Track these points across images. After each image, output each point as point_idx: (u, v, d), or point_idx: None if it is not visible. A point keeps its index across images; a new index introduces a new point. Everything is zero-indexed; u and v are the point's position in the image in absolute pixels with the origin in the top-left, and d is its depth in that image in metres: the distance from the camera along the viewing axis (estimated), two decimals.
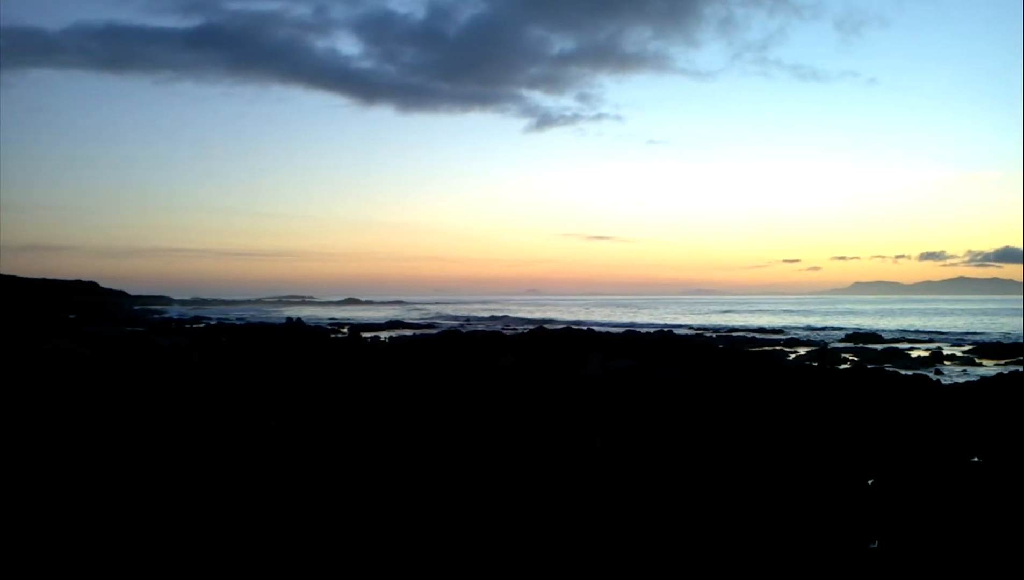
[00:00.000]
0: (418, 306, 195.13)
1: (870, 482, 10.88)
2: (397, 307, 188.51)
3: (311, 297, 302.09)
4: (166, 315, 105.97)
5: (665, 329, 65.24)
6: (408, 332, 65.21)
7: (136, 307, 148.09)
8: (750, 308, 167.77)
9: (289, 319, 53.74)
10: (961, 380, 25.85)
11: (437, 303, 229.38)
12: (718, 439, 13.24)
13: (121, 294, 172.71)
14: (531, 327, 54.01)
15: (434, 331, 59.82)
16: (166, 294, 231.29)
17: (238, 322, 76.75)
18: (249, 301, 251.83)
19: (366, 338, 43.76)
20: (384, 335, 54.26)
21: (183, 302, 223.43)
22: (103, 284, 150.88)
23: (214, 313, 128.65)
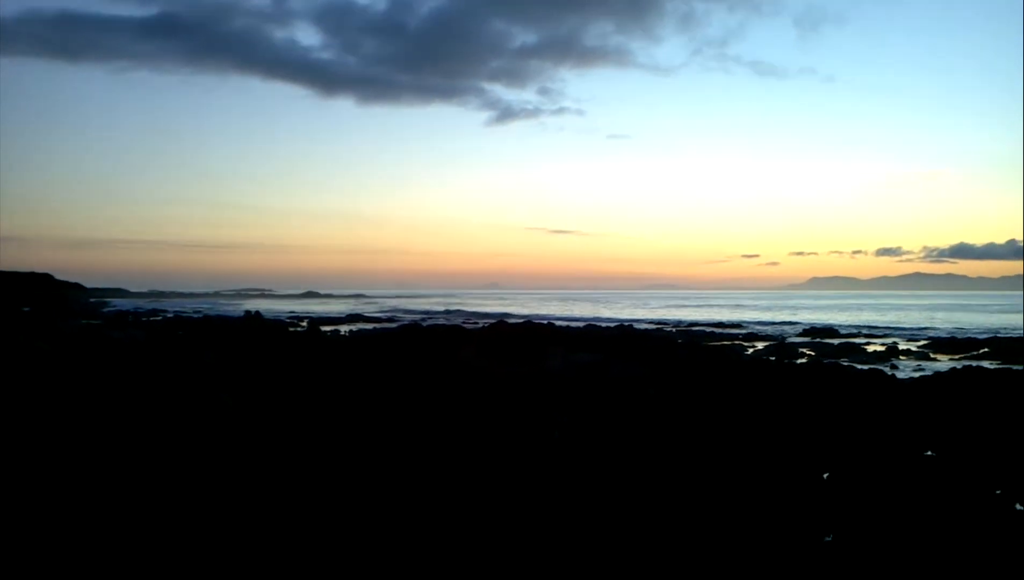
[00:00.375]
0: (379, 300, 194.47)
1: (825, 476, 11.01)
2: (358, 301, 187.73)
3: (270, 290, 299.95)
4: (122, 308, 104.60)
5: (626, 323, 65.68)
6: (368, 326, 64.89)
7: (92, 300, 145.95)
8: (710, 303, 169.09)
9: (247, 312, 53.15)
10: (916, 375, 26.23)
11: (398, 297, 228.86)
12: (676, 433, 13.32)
13: (76, 286, 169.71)
14: (492, 321, 54.03)
15: (395, 325, 59.67)
16: (122, 287, 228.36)
17: (195, 315, 75.89)
18: (207, 294, 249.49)
19: (326, 332, 43.49)
20: (344, 329, 53.93)
21: (140, 295, 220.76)
22: (58, 276, 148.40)
23: (171, 306, 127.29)
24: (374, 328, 56.81)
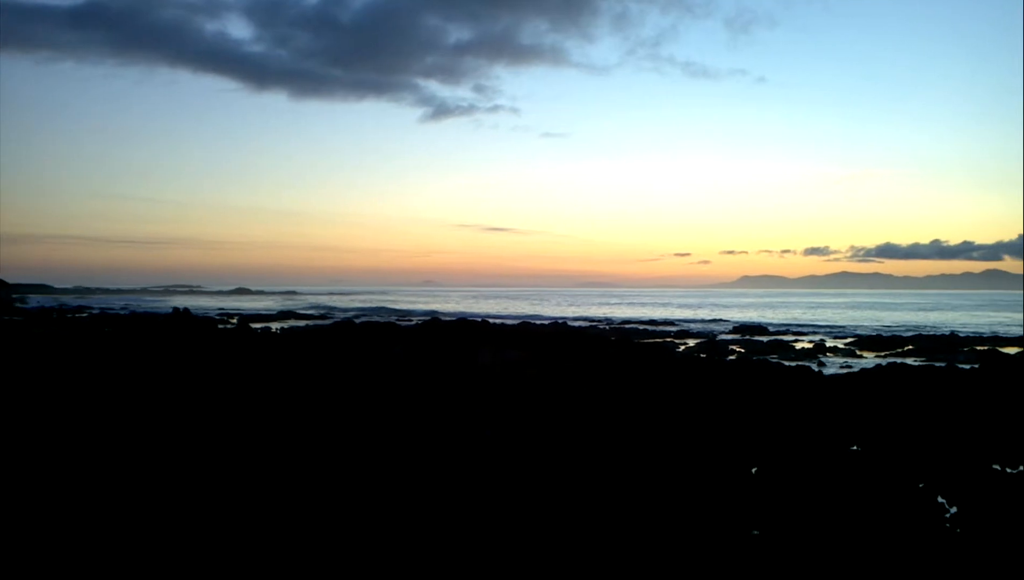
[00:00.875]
0: (312, 297, 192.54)
1: (754, 470, 11.10)
2: (290, 298, 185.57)
3: (199, 287, 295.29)
4: (45, 305, 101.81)
5: (560, 321, 65.91)
6: (300, 323, 64.18)
7: (14, 296, 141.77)
8: (642, 301, 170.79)
9: (176, 309, 52.12)
10: (842, 371, 26.74)
11: (331, 294, 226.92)
12: (608, 429, 13.34)
13: None
14: (425, 318, 53.76)
15: (327, 322, 59.06)
16: (47, 282, 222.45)
17: (122, 312, 74.29)
18: (134, 290, 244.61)
19: (256, 329, 42.81)
20: (275, 326, 53.22)
21: (64, 291, 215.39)
22: None
23: (97, 303, 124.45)
24: (306, 325, 56.11)
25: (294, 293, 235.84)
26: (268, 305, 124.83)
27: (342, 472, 10.08)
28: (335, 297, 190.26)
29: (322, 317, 78.88)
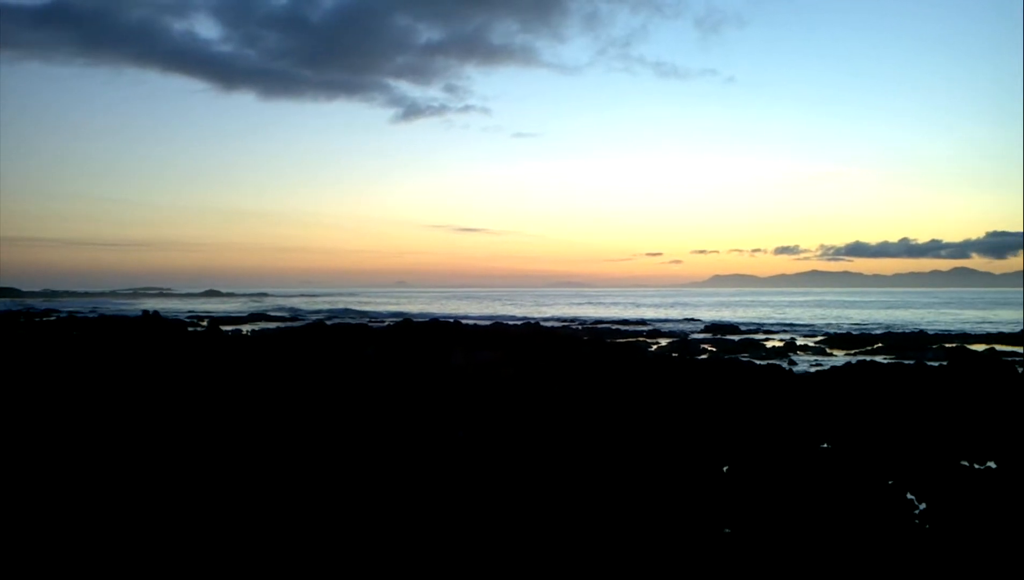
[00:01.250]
0: (283, 298, 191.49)
1: (725, 469, 11.17)
2: (260, 299, 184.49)
3: (169, 289, 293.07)
4: (12, 308, 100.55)
5: (532, 321, 65.95)
6: (271, 325, 63.79)
7: None
8: (615, 300, 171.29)
9: (145, 312, 51.67)
10: (813, 369, 26.92)
11: (302, 295, 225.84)
12: (581, 429, 13.37)
13: None
14: (398, 320, 53.63)
15: (298, 324, 58.77)
16: (14, 286, 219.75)
17: (91, 315, 73.52)
18: (103, 293, 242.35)
19: (227, 331, 42.54)
20: (246, 328, 52.91)
21: (32, 294, 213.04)
22: None
23: (66, 306, 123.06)
24: (277, 327, 55.82)
25: (265, 295, 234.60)
26: (238, 307, 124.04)
27: (313, 474, 10.04)
28: (306, 298, 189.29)
29: (293, 319, 78.44)
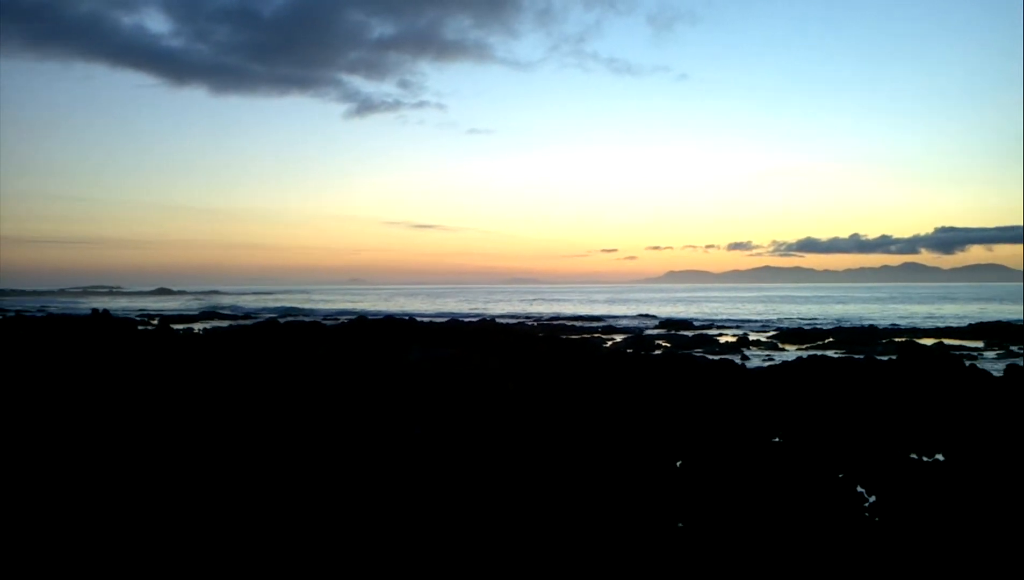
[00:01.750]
0: (235, 296, 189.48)
1: (679, 463, 11.25)
2: (212, 297, 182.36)
3: (119, 287, 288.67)
4: None
5: (488, 318, 65.96)
6: (223, 323, 63.16)
7: None
8: (570, 297, 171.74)
9: (95, 310, 50.81)
10: (765, 364, 27.23)
11: (256, 293, 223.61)
12: (535, 425, 13.38)
13: None
14: (352, 317, 53.32)
15: (250, 322, 58.21)
16: None
17: (39, 314, 72.14)
18: (51, 292, 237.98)
19: (178, 330, 41.96)
20: (197, 327, 52.29)
21: None
22: None
23: (12, 305, 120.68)
24: (230, 326, 55.19)
25: (217, 292, 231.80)
26: (190, 305, 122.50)
27: (264, 474, 9.94)
28: (259, 296, 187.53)
29: (245, 317, 77.75)
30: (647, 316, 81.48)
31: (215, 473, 9.95)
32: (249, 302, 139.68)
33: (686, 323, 62.72)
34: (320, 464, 10.49)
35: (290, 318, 64.44)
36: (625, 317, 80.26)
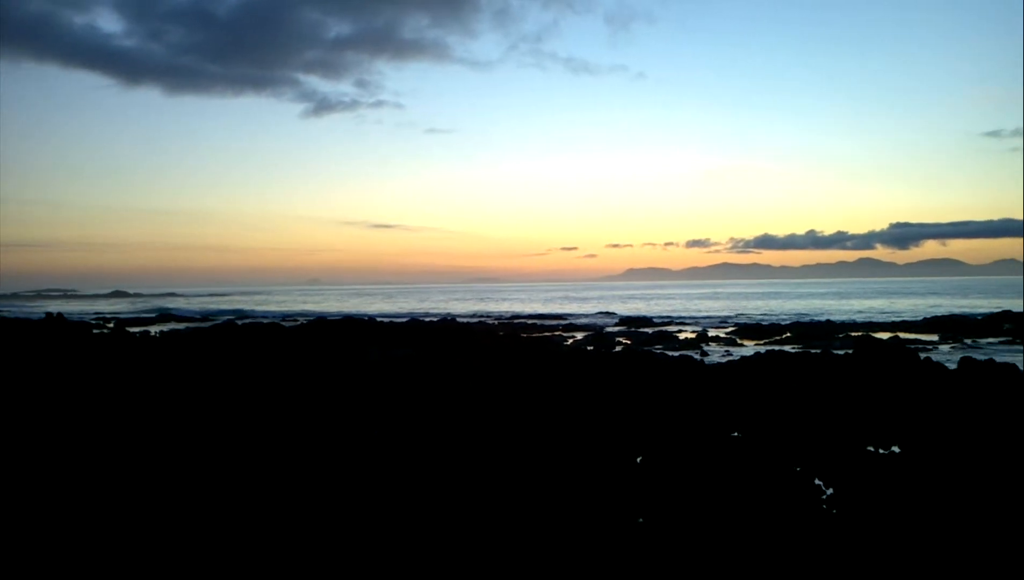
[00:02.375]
0: (192, 298, 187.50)
1: (639, 459, 11.28)
2: (169, 300, 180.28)
3: (74, 290, 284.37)
4: None
5: (448, 317, 65.82)
6: (180, 325, 62.42)
7: None
8: (531, 295, 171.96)
9: (49, 314, 49.98)
10: (724, 360, 27.43)
11: (213, 295, 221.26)
12: (496, 423, 13.36)
13: None
14: (311, 318, 52.97)
15: (208, 324, 57.58)
16: None
17: None
18: (4, 296, 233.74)
19: (134, 333, 41.42)
20: (154, 330, 51.58)
21: None
22: None
23: None
24: (187, 328, 54.58)
25: (174, 295, 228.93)
26: (146, 308, 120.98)
27: (222, 476, 9.82)
28: (217, 298, 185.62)
29: (203, 319, 76.96)
30: (607, 314, 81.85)
31: (173, 472, 9.82)
32: (207, 304, 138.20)
33: (646, 320, 62.99)
34: (278, 465, 10.39)
35: (248, 320, 63.92)
36: (585, 315, 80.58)
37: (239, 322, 54.73)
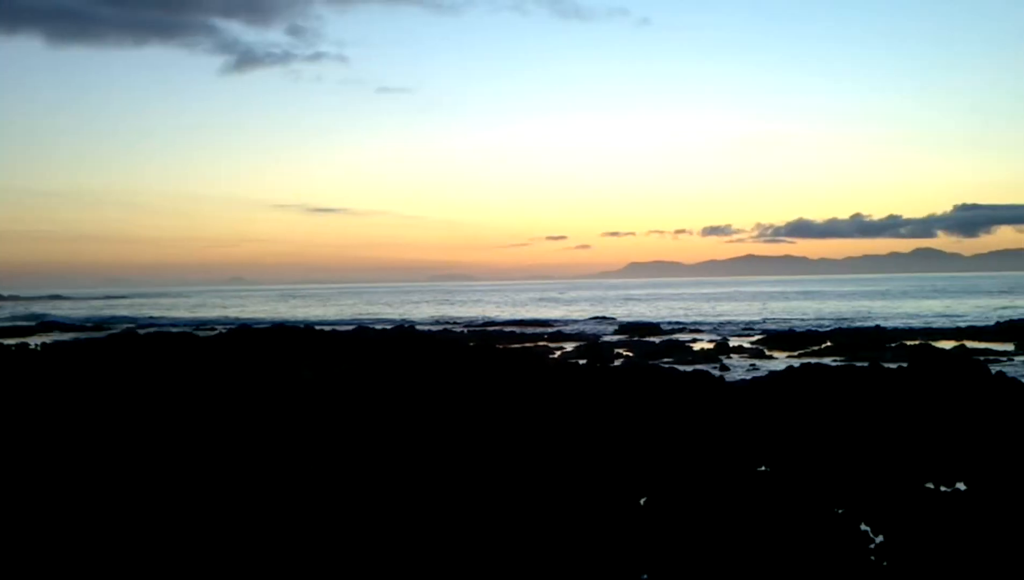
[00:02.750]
0: (82, 302, 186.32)
1: (643, 501, 11.28)
2: (53, 303, 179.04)
3: None
4: None
5: (405, 324, 65.72)
6: (67, 336, 61.99)
7: None
8: (509, 297, 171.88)
9: None
10: (748, 376, 27.56)
11: (108, 298, 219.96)
12: (464, 457, 13.32)
13: None
14: (232, 326, 52.79)
15: (102, 334, 57.21)
16: None
17: None
18: None
19: (9, 346, 41.14)
20: (34, 341, 51.23)
21: None
22: None
23: None
24: (75, 339, 54.24)
25: (58, 298, 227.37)
26: (22, 314, 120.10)
27: (119, 521, 9.78)
28: (113, 302, 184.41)
29: (95, 328, 76.44)
30: (604, 319, 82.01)
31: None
32: (99, 309, 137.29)
33: (652, 327, 63.05)
34: (174, 514, 10.34)
35: (153, 329, 63.56)
36: (577, 321, 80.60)
37: (141, 331, 54.42)
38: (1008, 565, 8.64)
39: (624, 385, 20.96)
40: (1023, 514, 9.98)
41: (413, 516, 10.32)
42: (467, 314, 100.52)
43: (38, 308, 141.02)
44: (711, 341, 48.74)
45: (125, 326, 74.03)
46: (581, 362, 33.96)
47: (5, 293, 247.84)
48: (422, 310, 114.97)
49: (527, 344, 49.29)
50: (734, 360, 39.02)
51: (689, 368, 28.75)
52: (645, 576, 8.81)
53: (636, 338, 54.65)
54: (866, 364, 24.87)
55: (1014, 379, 19.29)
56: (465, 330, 65.63)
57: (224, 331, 43.44)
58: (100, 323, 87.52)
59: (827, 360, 33.36)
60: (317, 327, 45.46)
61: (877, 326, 58.87)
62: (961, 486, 12.21)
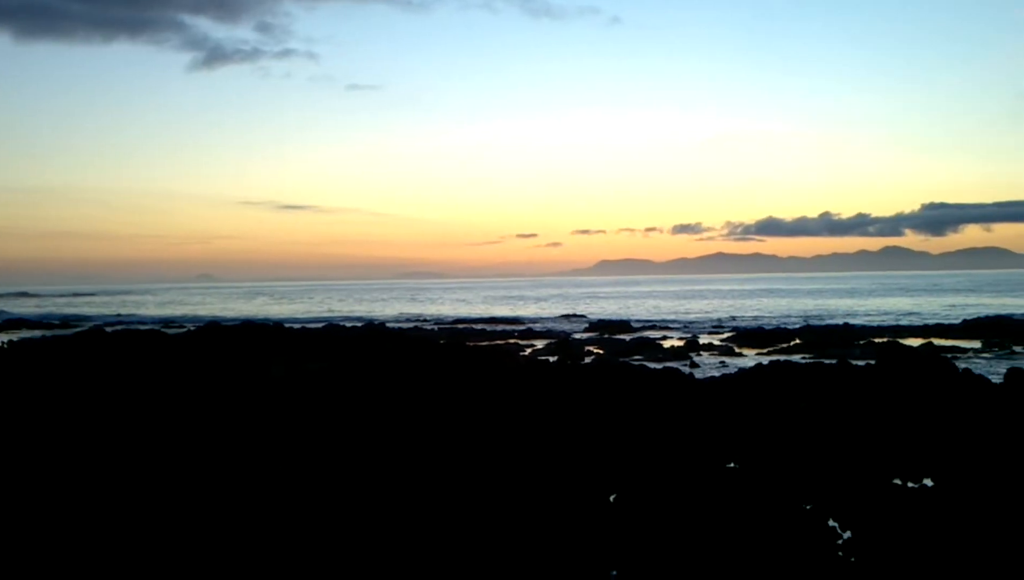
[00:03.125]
0: (48, 299, 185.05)
1: (612, 498, 11.30)
2: (19, 301, 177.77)
3: None
4: None
5: (375, 322, 65.60)
6: (35, 333, 61.63)
7: None
8: (479, 294, 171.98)
9: None
10: (717, 373, 27.62)
11: (76, 296, 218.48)
12: (433, 455, 13.30)
13: None
14: (201, 324, 52.48)
15: (70, 332, 56.84)
16: None
17: None
18: None
19: None
20: (1, 339, 50.88)
21: None
22: None
23: None
24: (43, 336, 53.84)
25: (24, 295, 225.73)
26: None
27: (85, 523, 9.72)
28: (80, 299, 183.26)
29: (62, 325, 75.95)
30: (574, 316, 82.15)
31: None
32: (67, 307, 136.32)
33: (622, 325, 63.26)
34: (141, 516, 10.29)
35: (121, 326, 63.15)
36: (547, 318, 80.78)
37: (108, 329, 54.05)
38: (975, 560, 8.70)
39: (594, 382, 20.98)
40: (989, 509, 10.06)
41: (383, 513, 10.30)
42: (437, 311, 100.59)
43: (4, 305, 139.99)
44: (681, 339, 48.92)
45: (92, 324, 73.55)
46: (551, 360, 34.01)
47: None
48: (392, 307, 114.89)
49: (497, 342, 49.30)
50: (704, 358, 39.23)
51: (659, 366, 28.85)
52: (615, 572, 8.82)
53: (606, 336, 54.80)
54: (835, 361, 24.98)
55: (980, 376, 19.46)
56: (435, 328, 65.66)
57: (193, 329, 43.21)
58: (67, 320, 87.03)
59: (796, 357, 33.55)
60: (287, 325, 45.31)
61: (846, 324, 59.26)
62: (928, 482, 12.29)
